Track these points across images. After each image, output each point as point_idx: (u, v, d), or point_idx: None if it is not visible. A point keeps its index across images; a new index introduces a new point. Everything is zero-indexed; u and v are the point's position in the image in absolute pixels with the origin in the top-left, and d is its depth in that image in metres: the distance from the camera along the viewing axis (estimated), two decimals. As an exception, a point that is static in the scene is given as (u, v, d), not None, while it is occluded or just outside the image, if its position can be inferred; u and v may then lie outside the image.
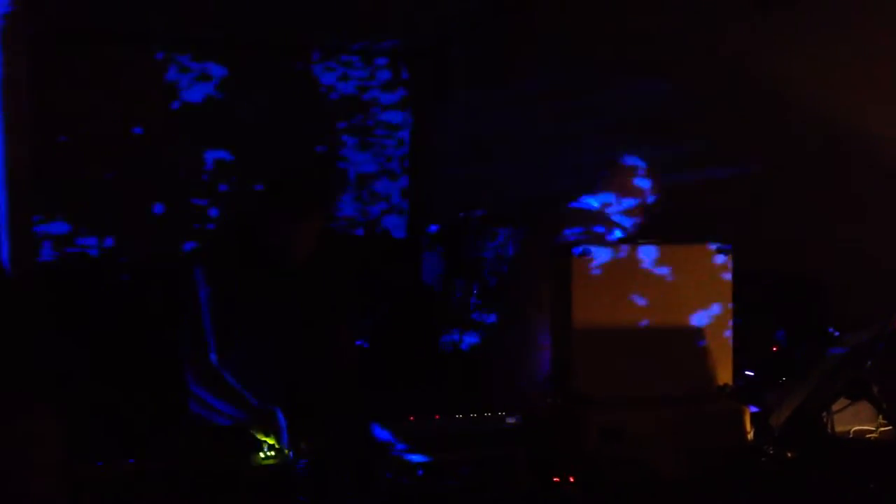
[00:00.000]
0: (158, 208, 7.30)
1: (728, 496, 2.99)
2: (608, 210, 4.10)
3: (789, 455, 3.14)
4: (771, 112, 4.95)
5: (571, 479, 2.96)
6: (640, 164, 4.13)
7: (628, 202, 4.10)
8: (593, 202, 4.13)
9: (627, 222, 4.05)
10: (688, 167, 4.90)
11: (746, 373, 3.64)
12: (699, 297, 3.18)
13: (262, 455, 3.07)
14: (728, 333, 3.22)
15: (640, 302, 3.13)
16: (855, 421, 3.48)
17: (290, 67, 7.65)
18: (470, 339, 5.36)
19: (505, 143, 6.43)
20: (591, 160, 5.62)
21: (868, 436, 3.46)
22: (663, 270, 3.16)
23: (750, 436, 3.15)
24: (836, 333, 3.55)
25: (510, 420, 3.08)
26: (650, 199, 4.13)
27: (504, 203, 6.08)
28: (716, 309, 3.19)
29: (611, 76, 5.62)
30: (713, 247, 3.20)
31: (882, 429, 3.50)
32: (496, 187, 6.41)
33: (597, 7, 5.83)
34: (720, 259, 3.20)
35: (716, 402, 3.17)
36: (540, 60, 6.20)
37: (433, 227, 6.08)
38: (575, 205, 4.13)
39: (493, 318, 5.39)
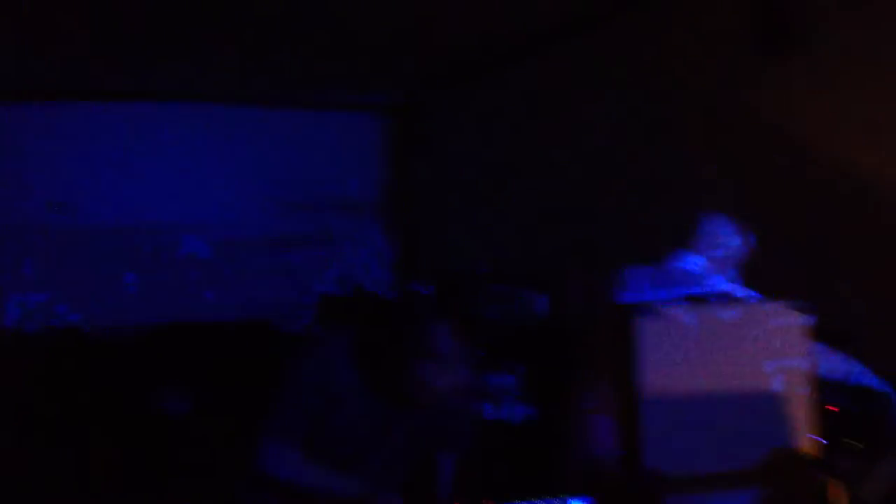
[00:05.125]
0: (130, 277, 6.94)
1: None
2: (705, 270, 3.78)
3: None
4: (773, 157, 4.70)
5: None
6: (729, 221, 3.86)
7: (721, 261, 3.81)
8: (692, 262, 3.80)
9: (723, 283, 3.75)
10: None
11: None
12: (774, 359, 2.92)
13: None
14: (806, 395, 2.95)
15: (712, 367, 2.86)
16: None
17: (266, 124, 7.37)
18: (483, 408, 5.01)
19: (499, 197, 6.17)
20: (605, 214, 5.39)
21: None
22: (733, 331, 2.89)
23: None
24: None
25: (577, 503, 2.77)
26: (740, 255, 3.85)
27: (505, 260, 5.80)
28: (793, 370, 2.93)
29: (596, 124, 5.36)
30: (788, 305, 2.95)
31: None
32: (492, 244, 6.14)
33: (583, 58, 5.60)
34: (798, 319, 2.94)
35: (799, 477, 2.90)
36: (521, 112, 5.97)
37: (429, 287, 5.78)
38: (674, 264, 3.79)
39: (506, 382, 5.08)
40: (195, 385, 5.22)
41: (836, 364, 3.61)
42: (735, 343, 2.91)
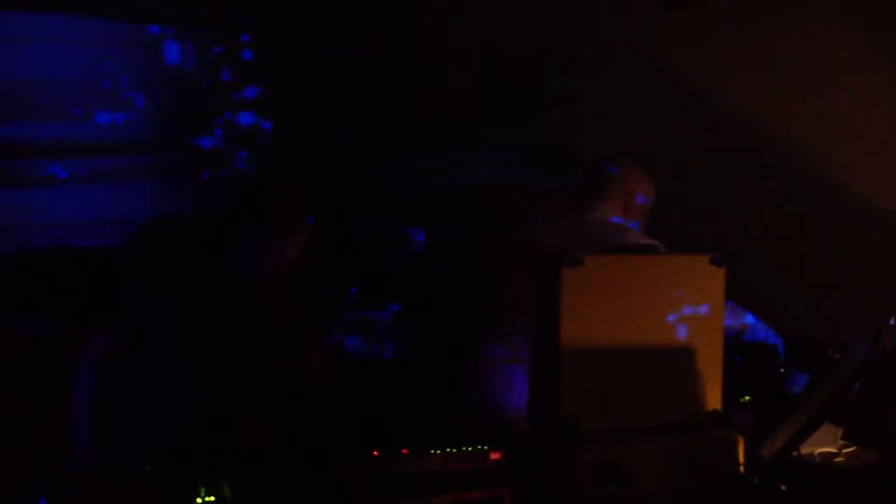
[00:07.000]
0: None
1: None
2: (618, 219, 3.68)
3: (784, 488, 2.89)
4: (678, 111, 4.69)
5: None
6: (641, 169, 3.77)
7: (634, 210, 3.72)
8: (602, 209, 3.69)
9: (638, 232, 3.66)
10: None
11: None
12: (693, 313, 2.89)
13: (198, 502, 2.54)
14: (714, 349, 2.95)
15: (632, 319, 2.80)
16: (817, 443, 3.29)
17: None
18: (351, 341, 4.87)
19: (387, 134, 5.95)
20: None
21: (836, 459, 3.28)
22: (657, 284, 2.84)
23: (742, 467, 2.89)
24: (836, 356, 3.33)
25: (493, 455, 2.68)
26: (650, 205, 3.77)
27: (387, 190, 5.60)
28: (708, 324, 2.91)
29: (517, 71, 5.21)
30: (708, 258, 2.92)
31: (845, 451, 3.33)
32: (375, 175, 5.93)
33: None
34: (708, 271, 2.92)
35: (709, 431, 2.89)
36: (426, 48, 5.74)
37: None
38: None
39: (381, 318, 4.94)
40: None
41: (732, 318, 3.62)
42: (648, 294, 2.86)
